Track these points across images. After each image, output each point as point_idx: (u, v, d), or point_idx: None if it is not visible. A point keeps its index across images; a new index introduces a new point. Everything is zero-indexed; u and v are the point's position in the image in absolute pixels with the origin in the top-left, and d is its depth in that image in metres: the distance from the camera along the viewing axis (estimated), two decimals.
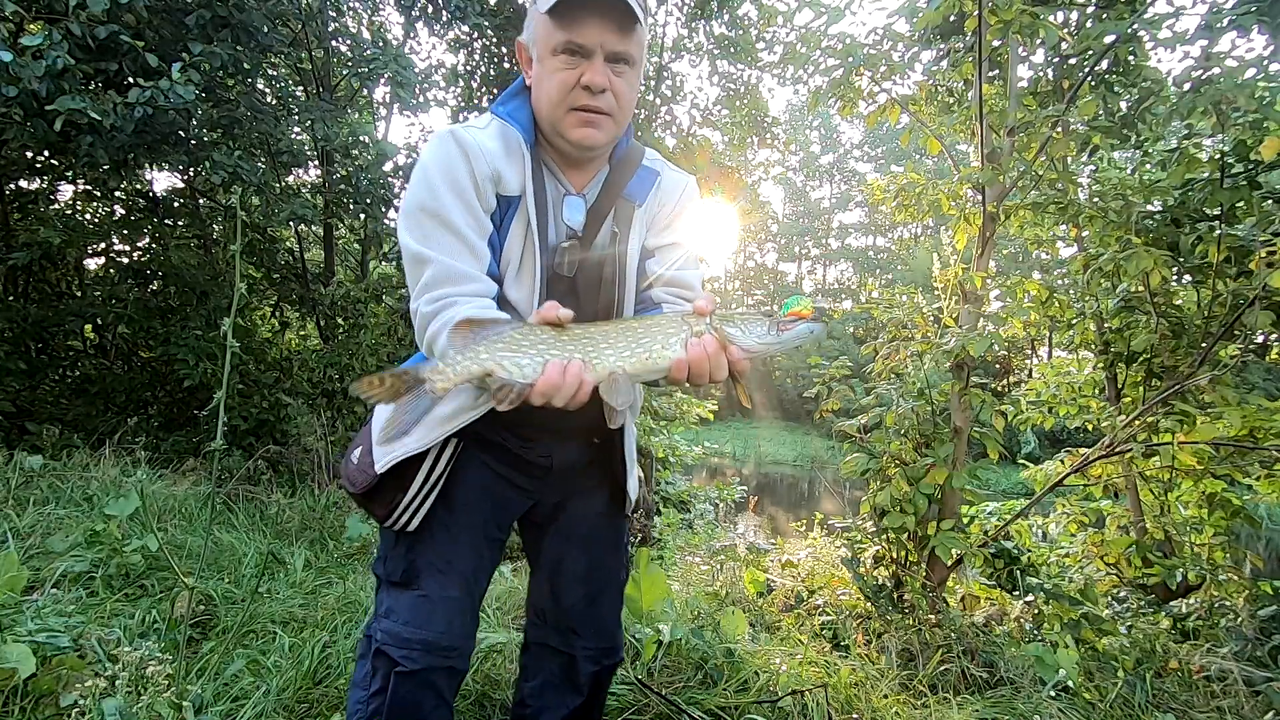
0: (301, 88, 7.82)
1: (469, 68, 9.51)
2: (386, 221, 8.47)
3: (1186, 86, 3.00)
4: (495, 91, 9.39)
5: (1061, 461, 3.84)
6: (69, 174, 6.27)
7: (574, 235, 1.31)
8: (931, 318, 3.59)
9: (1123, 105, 3.54)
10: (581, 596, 1.47)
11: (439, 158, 1.21)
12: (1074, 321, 3.91)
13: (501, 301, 1.25)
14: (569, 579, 1.47)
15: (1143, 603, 3.67)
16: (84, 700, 1.68)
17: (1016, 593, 3.49)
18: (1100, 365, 3.90)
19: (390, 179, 7.04)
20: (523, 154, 1.25)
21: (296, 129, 6.86)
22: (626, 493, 1.48)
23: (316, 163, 7.42)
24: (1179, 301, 3.48)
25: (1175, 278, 3.49)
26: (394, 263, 8.53)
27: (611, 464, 1.46)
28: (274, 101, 6.79)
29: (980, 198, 3.35)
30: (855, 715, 2.26)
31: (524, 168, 1.25)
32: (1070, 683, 2.63)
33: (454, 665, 1.30)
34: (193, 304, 6.69)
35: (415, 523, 1.30)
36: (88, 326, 6.97)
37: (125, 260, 7.11)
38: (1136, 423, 3.16)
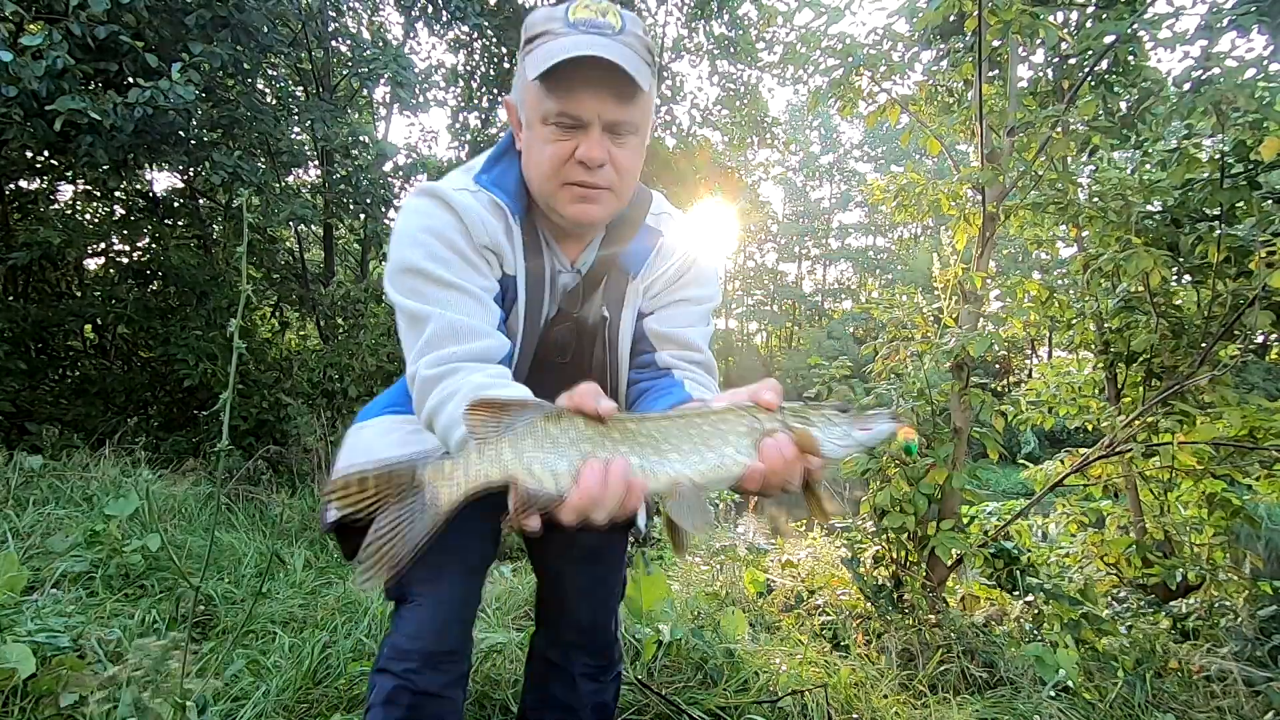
0: (301, 88, 7.82)
1: (469, 68, 9.52)
2: (386, 221, 8.47)
3: (1186, 86, 3.00)
4: (495, 92, 9.40)
5: (1061, 461, 3.85)
6: (69, 174, 6.28)
7: (567, 316, 1.20)
8: (931, 318, 3.59)
9: (1123, 105, 3.54)
10: (582, 613, 1.43)
11: (427, 221, 1.07)
12: (1074, 321, 3.91)
13: None
14: (570, 595, 1.43)
15: (1143, 603, 3.68)
16: (94, 700, 1.68)
17: (1016, 593, 3.49)
18: (1100, 365, 3.90)
19: (390, 179, 7.06)
20: (512, 229, 1.13)
21: (296, 129, 6.87)
22: (634, 521, 1.37)
23: (316, 163, 7.43)
24: (1179, 301, 3.48)
25: (1175, 278, 3.49)
26: None
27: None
28: (274, 101, 6.79)
29: (980, 198, 3.35)
30: (855, 715, 2.26)
31: (514, 244, 1.14)
32: (1070, 683, 2.63)
33: (455, 667, 1.27)
34: (193, 304, 6.70)
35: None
36: (88, 326, 6.98)
37: (125, 260, 7.12)
38: (1136, 423, 3.16)
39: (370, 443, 1.25)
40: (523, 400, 0.83)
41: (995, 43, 3.37)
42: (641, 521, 1.40)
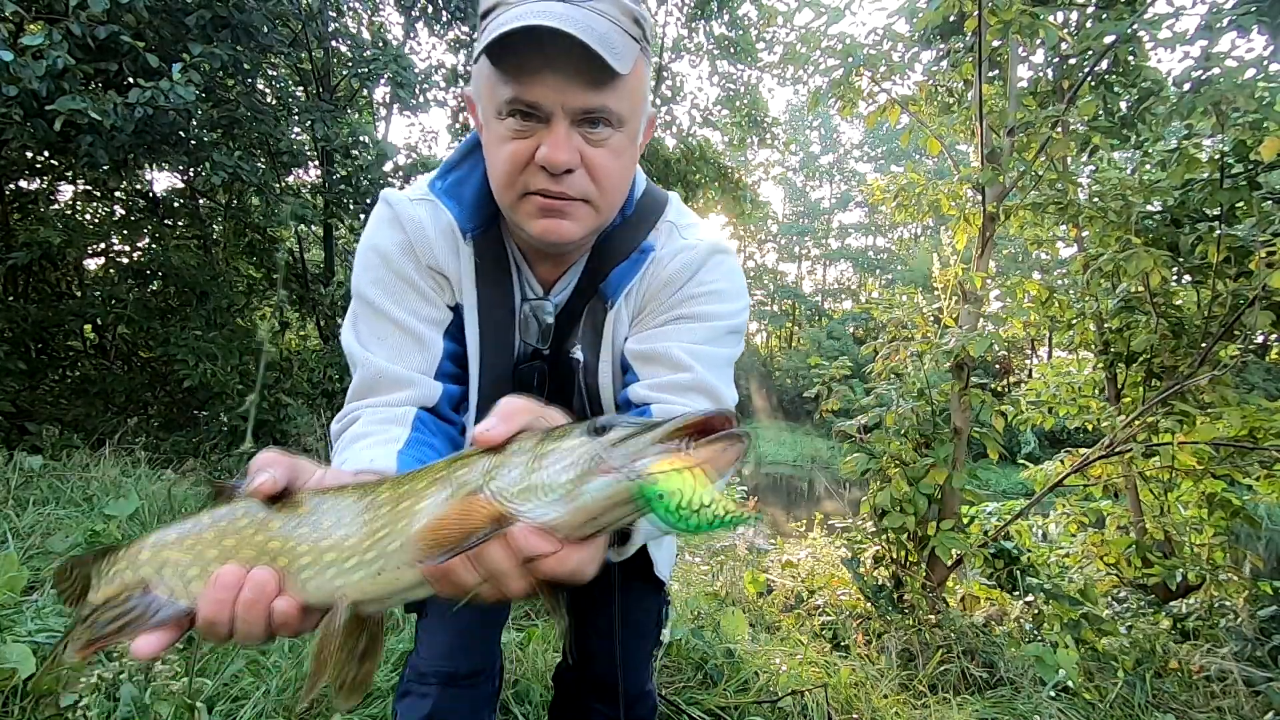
0: (301, 88, 7.83)
1: (469, 68, 9.51)
2: None
3: (1186, 86, 3.00)
4: None
5: (1061, 461, 3.85)
6: (69, 174, 6.28)
7: (538, 353, 1.01)
8: (931, 318, 3.59)
9: (1123, 105, 3.54)
10: (600, 654, 1.24)
11: (375, 238, 0.96)
12: (1074, 321, 3.91)
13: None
14: (591, 633, 1.25)
15: (1143, 603, 3.68)
16: (91, 695, 1.68)
17: (1016, 593, 3.49)
18: (1100, 365, 3.90)
19: (390, 179, 7.06)
20: (461, 248, 0.95)
21: (296, 129, 6.87)
22: (656, 576, 1.21)
23: (316, 163, 7.43)
24: (1179, 301, 3.48)
25: (1175, 278, 3.49)
26: None
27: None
28: (274, 101, 6.80)
29: (980, 198, 3.35)
30: (855, 715, 2.26)
31: (463, 267, 0.96)
32: (1070, 683, 2.63)
33: (478, 690, 1.15)
34: (193, 304, 6.70)
35: None
36: (88, 326, 6.97)
37: (125, 260, 7.12)
38: (1136, 423, 3.16)
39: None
40: (233, 485, 0.61)
41: (995, 43, 3.37)
42: (662, 570, 1.24)
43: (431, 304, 0.96)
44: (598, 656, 1.23)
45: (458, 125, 10.01)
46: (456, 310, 0.98)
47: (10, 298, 6.44)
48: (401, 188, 1.07)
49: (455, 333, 0.98)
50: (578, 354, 0.99)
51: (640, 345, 0.96)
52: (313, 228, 7.94)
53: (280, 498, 0.59)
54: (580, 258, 0.99)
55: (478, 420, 0.63)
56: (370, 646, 0.56)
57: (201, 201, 7.43)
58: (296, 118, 6.72)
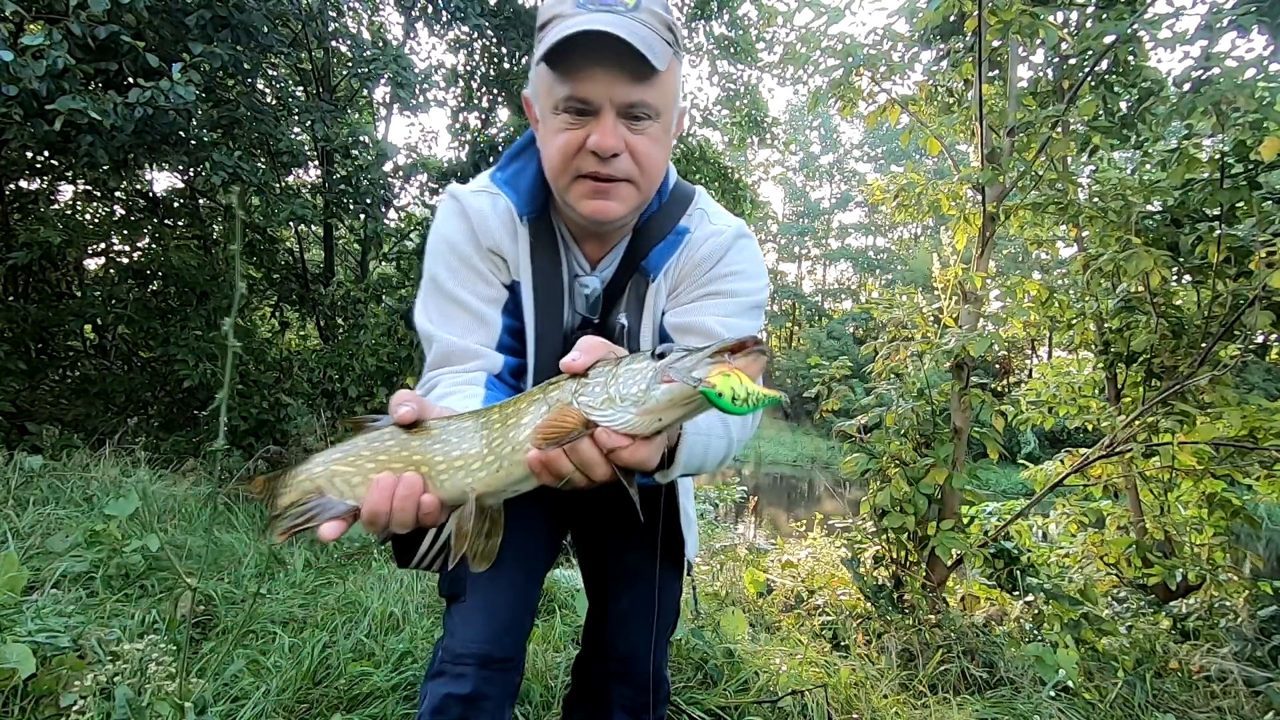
0: (301, 88, 7.83)
1: (469, 68, 9.50)
2: (386, 221, 8.47)
3: (1186, 86, 3.00)
4: (495, 92, 9.39)
5: (1061, 461, 3.85)
6: (69, 174, 6.28)
7: (588, 322, 1.14)
8: (931, 318, 3.59)
9: (1123, 105, 3.54)
10: (620, 638, 1.32)
11: (443, 227, 1.10)
12: (1074, 321, 3.91)
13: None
14: (611, 617, 1.32)
15: (1143, 603, 3.68)
16: (83, 700, 1.68)
17: (1016, 593, 3.49)
18: (1100, 365, 3.90)
19: (390, 179, 7.06)
20: (518, 231, 1.10)
21: (296, 129, 6.87)
22: (684, 555, 1.29)
23: (316, 163, 7.43)
24: (1179, 301, 3.48)
25: (1175, 278, 3.49)
26: (394, 263, 8.55)
27: (664, 520, 1.22)
28: (274, 101, 6.79)
29: (980, 198, 3.35)
30: (855, 715, 2.26)
31: (520, 247, 1.09)
32: (1070, 683, 2.63)
33: (509, 677, 1.20)
34: (193, 304, 6.69)
35: (439, 564, 1.17)
36: (88, 326, 6.97)
37: (125, 260, 7.11)
38: (1136, 423, 3.16)
39: None
40: (371, 416, 0.82)
41: (995, 43, 3.37)
42: (691, 552, 1.31)
43: (491, 285, 1.09)
44: (621, 641, 1.31)
45: (457, 125, 10.00)
46: (512, 288, 1.11)
47: (10, 298, 6.44)
48: (401, 188, 1.17)
49: (512, 309, 1.12)
50: (623, 320, 1.13)
51: (678, 318, 1.12)
52: (313, 228, 7.93)
53: (413, 426, 0.77)
54: (622, 239, 1.14)
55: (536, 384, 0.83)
56: (492, 527, 0.77)
57: (201, 201, 7.43)
58: (296, 118, 6.71)
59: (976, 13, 3.13)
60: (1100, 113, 3.33)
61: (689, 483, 1.30)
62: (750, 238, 1.18)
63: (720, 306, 1.11)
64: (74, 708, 1.67)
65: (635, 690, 1.31)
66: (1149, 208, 3.40)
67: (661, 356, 0.69)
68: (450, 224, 1.09)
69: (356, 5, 8.05)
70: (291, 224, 7.10)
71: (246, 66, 5.57)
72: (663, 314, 1.14)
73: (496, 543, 0.77)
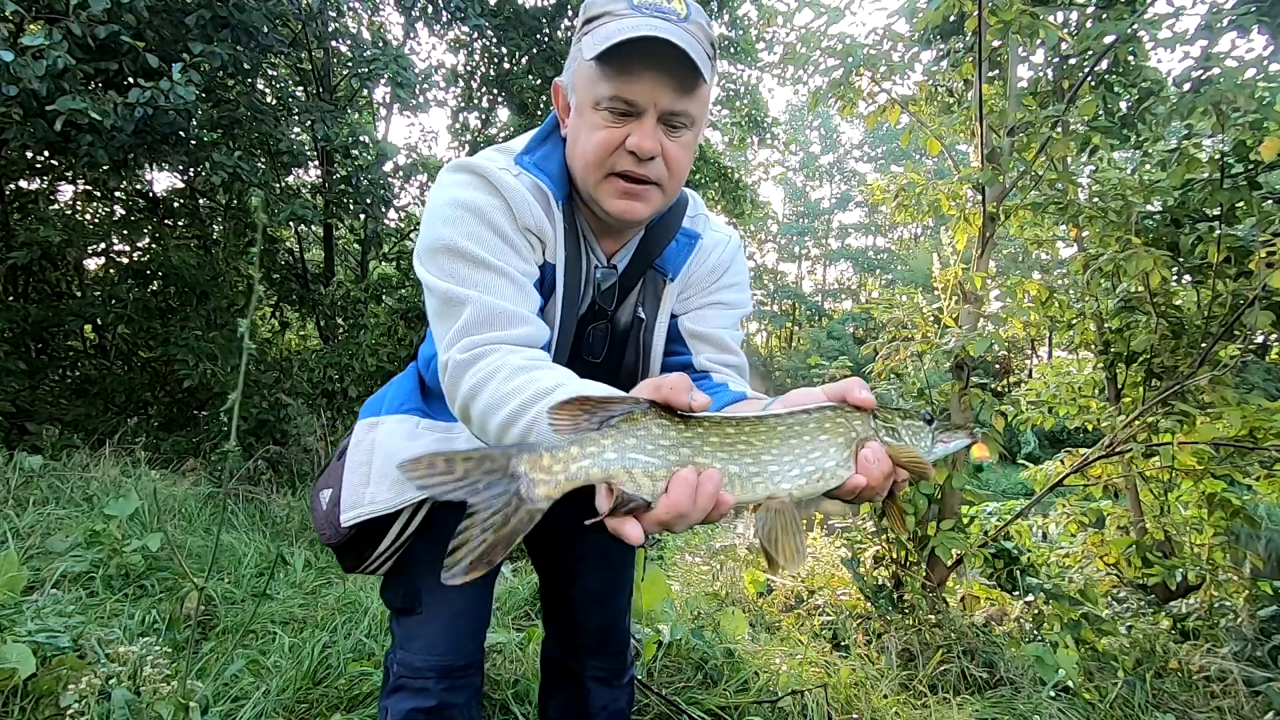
0: (301, 88, 7.83)
1: (469, 68, 9.50)
2: (386, 222, 8.47)
3: (1186, 86, 3.00)
4: (495, 92, 9.39)
5: (1061, 461, 3.84)
6: (69, 174, 6.28)
7: (602, 312, 1.15)
8: (931, 318, 3.59)
9: (1123, 105, 3.54)
10: (592, 617, 1.38)
11: (464, 195, 0.99)
12: (1074, 321, 3.91)
13: None
14: (580, 598, 1.38)
15: (1143, 603, 3.68)
16: (81, 701, 1.68)
17: (1016, 593, 3.49)
18: (1100, 365, 3.90)
19: (390, 179, 7.06)
20: (554, 214, 1.06)
21: (296, 129, 6.87)
22: None
23: (316, 163, 7.43)
24: (1179, 301, 3.47)
25: (1175, 278, 3.49)
26: (394, 263, 8.55)
27: None
28: (274, 101, 6.80)
29: (980, 198, 3.35)
30: (855, 715, 2.26)
31: (556, 229, 1.06)
32: (1070, 683, 2.63)
33: (471, 680, 1.22)
34: (193, 304, 6.70)
35: (387, 567, 1.20)
36: (88, 326, 6.97)
37: (125, 260, 7.12)
38: (1136, 423, 3.16)
39: (392, 447, 1.17)
40: (612, 395, 0.75)
41: (995, 43, 3.37)
42: None
43: (526, 260, 1.03)
44: (594, 618, 1.37)
45: (457, 125, 10.00)
46: (543, 270, 1.07)
47: (10, 298, 6.44)
48: (401, 188, 1.11)
49: (539, 288, 1.08)
50: (641, 314, 1.16)
51: (692, 325, 1.18)
52: (313, 228, 7.93)
53: (669, 411, 0.73)
54: (634, 236, 1.16)
55: None
56: (798, 527, 0.78)
57: (201, 201, 7.43)
58: (296, 118, 6.72)
59: (976, 13, 3.13)
60: (1100, 113, 3.33)
61: None
62: (742, 246, 1.27)
63: (724, 318, 1.21)
64: (73, 709, 1.67)
65: (610, 658, 1.38)
66: (1149, 208, 3.40)
67: (930, 420, 0.88)
68: (476, 194, 1.00)
69: (356, 5, 8.04)
70: (291, 224, 7.10)
71: (246, 66, 5.57)
72: (671, 313, 1.20)
73: (805, 541, 0.80)
